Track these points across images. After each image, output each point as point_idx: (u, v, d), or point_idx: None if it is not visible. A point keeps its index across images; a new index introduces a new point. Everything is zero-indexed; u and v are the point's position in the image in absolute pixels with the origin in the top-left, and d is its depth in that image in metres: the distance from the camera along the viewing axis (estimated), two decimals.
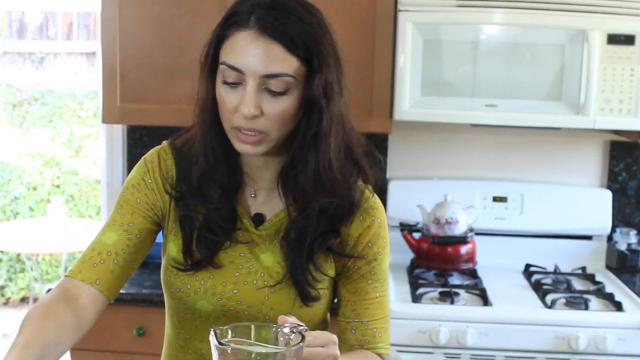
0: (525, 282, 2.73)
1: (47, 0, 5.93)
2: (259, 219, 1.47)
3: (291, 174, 1.41)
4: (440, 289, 2.56)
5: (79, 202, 5.99)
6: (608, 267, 2.90)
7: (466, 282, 2.67)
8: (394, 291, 2.56)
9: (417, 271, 2.76)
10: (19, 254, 5.56)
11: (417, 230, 2.84)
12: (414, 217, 2.85)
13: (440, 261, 2.74)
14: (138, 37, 2.64)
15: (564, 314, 2.41)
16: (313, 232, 1.42)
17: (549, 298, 2.51)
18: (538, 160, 3.00)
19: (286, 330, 1.15)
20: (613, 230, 2.95)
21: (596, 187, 2.97)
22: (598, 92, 2.50)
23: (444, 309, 2.44)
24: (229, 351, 1.09)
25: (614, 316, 2.41)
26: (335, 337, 1.24)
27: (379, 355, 1.49)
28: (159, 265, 1.52)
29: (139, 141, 3.04)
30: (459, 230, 2.75)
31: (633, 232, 2.90)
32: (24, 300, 5.73)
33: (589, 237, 2.94)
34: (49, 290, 2.52)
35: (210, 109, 1.39)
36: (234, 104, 1.33)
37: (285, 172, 1.42)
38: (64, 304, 1.32)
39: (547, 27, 2.49)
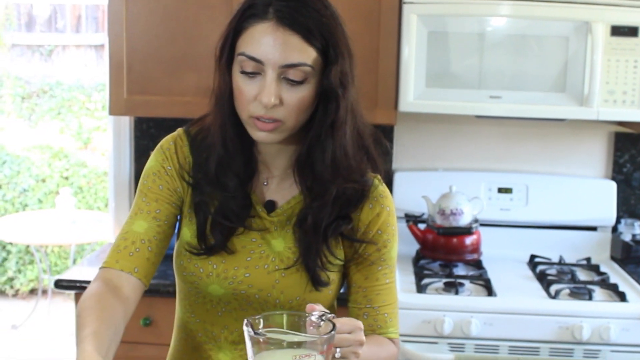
0: (529, 272, 2.74)
1: None
2: (270, 206, 1.51)
3: (308, 161, 1.44)
4: (445, 280, 2.58)
5: (88, 194, 6.02)
6: (613, 258, 2.91)
7: (471, 273, 2.68)
8: (399, 281, 2.57)
9: (422, 262, 2.78)
10: (28, 246, 5.59)
11: (423, 221, 2.86)
12: (419, 208, 2.87)
13: (445, 252, 2.76)
14: (145, 29, 2.65)
15: (567, 304, 2.42)
16: (328, 218, 1.45)
17: (553, 288, 2.53)
18: (543, 152, 3.01)
19: (314, 318, 1.17)
20: (618, 221, 2.96)
21: (601, 179, 2.98)
22: (602, 83, 2.51)
23: (449, 299, 2.45)
24: (262, 340, 1.11)
25: (617, 306, 2.42)
26: (360, 323, 1.27)
27: (390, 339, 1.52)
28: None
29: (146, 133, 3.06)
30: (464, 221, 2.76)
31: (638, 223, 2.91)
32: (32, 291, 5.75)
33: (593, 228, 2.95)
34: (57, 281, 2.53)
35: (227, 99, 1.42)
36: (253, 94, 1.36)
37: (301, 160, 1.45)
38: (111, 294, 1.35)
39: (551, 19, 2.50)
